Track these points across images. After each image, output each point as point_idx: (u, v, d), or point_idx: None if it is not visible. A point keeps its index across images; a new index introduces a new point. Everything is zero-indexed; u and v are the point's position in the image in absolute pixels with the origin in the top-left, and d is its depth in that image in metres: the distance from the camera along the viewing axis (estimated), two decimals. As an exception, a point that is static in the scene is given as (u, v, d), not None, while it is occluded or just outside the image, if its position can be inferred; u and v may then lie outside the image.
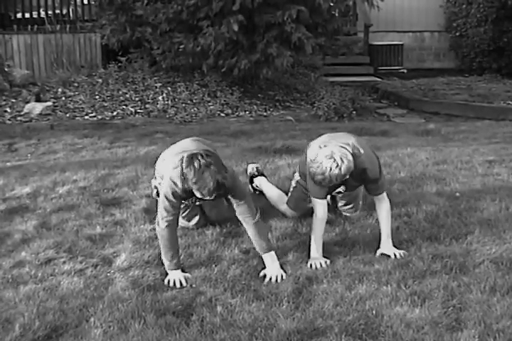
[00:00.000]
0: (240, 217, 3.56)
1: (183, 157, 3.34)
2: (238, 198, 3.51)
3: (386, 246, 3.71)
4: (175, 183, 3.39)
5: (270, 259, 3.50)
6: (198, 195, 3.31)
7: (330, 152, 3.46)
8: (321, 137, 3.94)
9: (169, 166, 3.53)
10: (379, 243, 3.75)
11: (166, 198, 3.43)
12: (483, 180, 5.04)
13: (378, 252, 3.70)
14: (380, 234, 3.78)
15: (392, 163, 5.54)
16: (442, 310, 3.04)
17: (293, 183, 4.25)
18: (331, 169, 3.42)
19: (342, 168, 3.44)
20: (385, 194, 3.81)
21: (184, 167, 3.26)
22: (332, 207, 4.23)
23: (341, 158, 3.44)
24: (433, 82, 11.87)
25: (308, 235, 3.77)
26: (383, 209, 3.79)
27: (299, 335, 2.86)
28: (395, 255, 3.65)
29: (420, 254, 3.65)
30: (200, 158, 3.24)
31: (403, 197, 4.55)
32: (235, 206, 3.54)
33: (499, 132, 7.59)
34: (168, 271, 3.45)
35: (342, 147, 3.56)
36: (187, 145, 3.76)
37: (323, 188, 3.68)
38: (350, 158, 3.50)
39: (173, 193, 3.41)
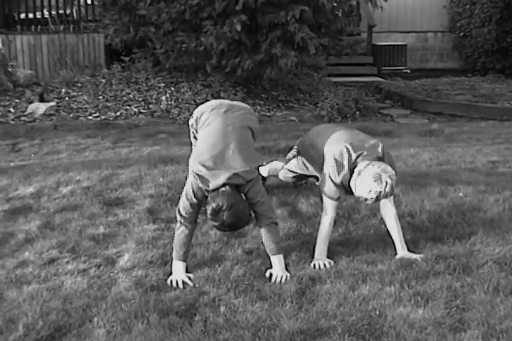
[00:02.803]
0: (254, 217, 3.60)
1: (209, 200, 3.40)
2: (255, 200, 3.54)
3: (402, 253, 3.67)
4: (199, 186, 3.47)
5: (277, 261, 3.52)
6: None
7: (377, 174, 3.45)
8: (339, 131, 3.93)
9: (195, 161, 3.55)
10: (395, 249, 3.71)
11: (187, 196, 3.51)
12: (487, 181, 5.04)
13: (397, 258, 3.65)
14: (391, 238, 3.75)
15: (396, 163, 5.53)
16: (445, 310, 3.04)
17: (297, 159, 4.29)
18: (384, 190, 3.46)
19: (392, 188, 3.49)
20: (392, 197, 3.76)
21: (211, 200, 3.37)
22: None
23: (389, 177, 3.47)
24: (436, 83, 11.86)
25: (312, 235, 3.77)
26: (390, 214, 3.75)
27: (302, 335, 2.87)
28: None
29: (424, 255, 3.65)
30: (226, 213, 3.31)
31: (406, 198, 4.55)
32: (253, 206, 3.56)
33: (503, 133, 7.59)
34: (174, 263, 3.49)
35: (381, 162, 3.57)
36: (225, 148, 3.57)
37: (342, 190, 3.67)
38: (393, 172, 3.53)
39: (195, 194, 3.48)
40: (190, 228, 3.55)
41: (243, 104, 4.15)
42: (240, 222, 3.42)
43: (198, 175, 3.46)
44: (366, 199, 3.52)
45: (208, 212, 3.38)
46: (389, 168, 3.51)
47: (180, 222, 3.53)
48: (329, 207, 3.71)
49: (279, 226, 3.70)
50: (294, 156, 4.32)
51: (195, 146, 3.96)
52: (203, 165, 3.47)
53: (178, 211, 3.54)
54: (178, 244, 3.52)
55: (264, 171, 4.70)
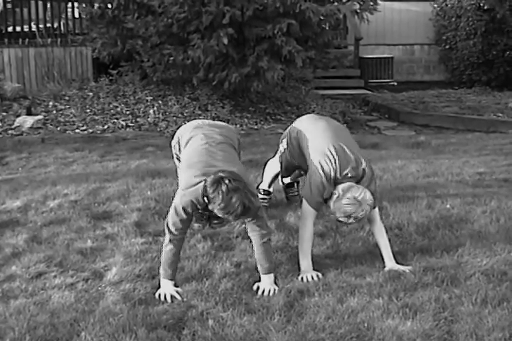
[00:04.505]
0: (249, 234, 3.57)
1: (206, 180, 3.31)
2: (251, 217, 3.50)
3: (390, 265, 3.70)
4: (193, 202, 3.39)
5: (267, 276, 3.51)
6: (221, 216, 3.35)
7: (357, 201, 3.53)
8: (326, 129, 4.00)
9: (188, 175, 3.51)
10: (383, 261, 3.74)
11: (177, 213, 3.43)
12: (474, 192, 5.09)
13: (386, 270, 3.68)
14: (379, 250, 3.78)
15: (383, 175, 5.57)
16: (434, 322, 3.05)
17: (281, 149, 4.34)
18: (363, 215, 3.57)
19: (369, 211, 3.60)
20: (377, 209, 3.81)
21: (210, 191, 3.25)
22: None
23: (368, 205, 3.55)
24: (423, 95, 11.96)
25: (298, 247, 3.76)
26: (379, 230, 3.80)
27: (291, 349, 2.86)
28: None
29: (411, 267, 3.67)
30: (227, 182, 3.22)
31: (394, 210, 4.58)
32: (246, 222, 3.54)
33: (489, 144, 7.67)
34: (162, 281, 3.46)
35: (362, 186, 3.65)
36: (214, 153, 3.63)
37: (323, 201, 3.72)
38: (372, 199, 3.60)
39: (185, 210, 3.42)
40: (178, 245, 3.49)
41: (223, 123, 4.21)
42: (249, 191, 3.30)
43: (193, 184, 3.40)
44: (346, 223, 3.66)
45: (210, 183, 3.25)
46: (368, 195, 3.58)
47: (170, 240, 3.47)
48: (310, 217, 3.75)
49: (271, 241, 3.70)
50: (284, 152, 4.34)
51: (179, 168, 3.93)
52: (196, 176, 3.44)
53: (168, 227, 3.48)
54: (166, 262, 3.47)
55: (265, 185, 4.72)
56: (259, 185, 4.77)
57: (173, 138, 4.08)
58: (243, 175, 3.53)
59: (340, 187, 3.62)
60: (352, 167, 3.70)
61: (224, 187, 3.21)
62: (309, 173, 3.83)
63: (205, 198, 3.30)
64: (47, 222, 4.46)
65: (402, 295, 3.32)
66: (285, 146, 4.29)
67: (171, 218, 3.47)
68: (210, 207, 3.31)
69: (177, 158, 4.04)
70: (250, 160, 6.14)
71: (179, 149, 3.94)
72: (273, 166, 4.61)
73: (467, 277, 3.52)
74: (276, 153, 4.54)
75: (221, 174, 3.29)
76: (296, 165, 4.24)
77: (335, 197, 3.61)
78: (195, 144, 3.74)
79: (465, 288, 3.39)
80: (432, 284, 3.45)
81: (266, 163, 4.81)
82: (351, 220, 3.59)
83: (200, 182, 3.37)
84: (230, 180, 3.23)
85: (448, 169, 5.92)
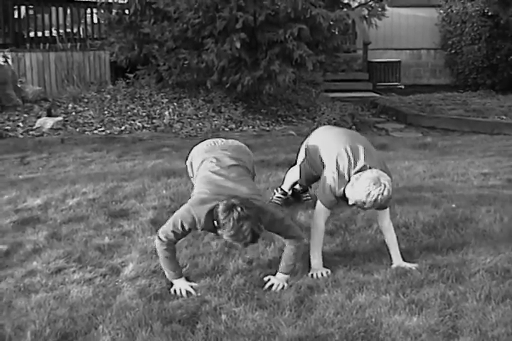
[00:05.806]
0: (284, 241, 3.63)
1: (218, 204, 3.31)
2: (280, 230, 3.58)
3: (397, 263, 3.75)
4: (194, 219, 3.40)
5: (282, 276, 3.56)
6: (230, 242, 3.41)
7: (376, 178, 3.52)
8: (341, 134, 4.09)
9: (198, 192, 3.51)
10: (390, 258, 3.79)
11: (174, 225, 3.44)
12: (479, 192, 5.10)
13: (393, 267, 3.72)
14: (387, 248, 3.83)
15: (391, 175, 5.61)
16: (439, 318, 3.10)
17: (299, 160, 4.38)
18: (382, 194, 3.50)
19: (389, 191, 3.53)
20: (387, 209, 3.83)
21: (221, 218, 3.26)
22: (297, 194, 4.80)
23: (387, 181, 3.54)
24: (430, 98, 12.05)
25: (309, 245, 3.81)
26: (387, 229, 3.83)
27: (300, 343, 2.91)
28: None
29: (418, 264, 3.72)
30: (239, 209, 3.23)
31: (401, 209, 4.61)
32: (282, 234, 3.60)
33: (493, 146, 7.69)
34: (173, 281, 3.50)
35: (381, 170, 3.66)
36: (224, 175, 3.59)
37: (335, 200, 3.76)
38: (389, 178, 3.61)
39: (183, 225, 3.43)
40: (170, 249, 3.49)
41: (236, 144, 4.07)
42: (259, 219, 3.31)
43: (201, 202, 3.41)
44: (364, 203, 3.55)
45: (223, 209, 3.26)
46: (385, 174, 3.60)
47: (160, 244, 3.48)
48: (323, 215, 3.79)
49: (278, 236, 3.75)
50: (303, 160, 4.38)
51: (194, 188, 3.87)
52: (205, 194, 3.46)
53: (158, 234, 3.49)
54: (165, 266, 3.51)
55: (285, 186, 4.77)
56: (280, 185, 4.83)
57: (188, 157, 4.08)
58: (255, 193, 3.54)
59: (356, 174, 3.64)
60: (365, 165, 3.71)
61: (236, 215, 3.22)
62: (323, 174, 3.86)
63: (216, 222, 3.32)
64: (66, 219, 4.52)
65: (408, 291, 3.37)
66: (303, 157, 4.30)
67: (166, 227, 3.48)
68: (219, 232, 3.35)
69: (191, 177, 4.04)
70: (262, 161, 6.17)
71: (192, 172, 3.95)
72: (294, 174, 4.63)
73: (471, 274, 3.56)
74: (296, 160, 4.56)
75: (234, 201, 3.29)
76: (315, 175, 4.22)
77: (353, 180, 3.60)
78: (206, 166, 3.72)
79: (469, 284, 3.44)
80: (437, 281, 3.49)
81: (289, 168, 4.81)
82: (374, 197, 3.49)
83: (208, 201, 3.40)
84: (242, 208, 3.24)
85: (454, 170, 5.93)
